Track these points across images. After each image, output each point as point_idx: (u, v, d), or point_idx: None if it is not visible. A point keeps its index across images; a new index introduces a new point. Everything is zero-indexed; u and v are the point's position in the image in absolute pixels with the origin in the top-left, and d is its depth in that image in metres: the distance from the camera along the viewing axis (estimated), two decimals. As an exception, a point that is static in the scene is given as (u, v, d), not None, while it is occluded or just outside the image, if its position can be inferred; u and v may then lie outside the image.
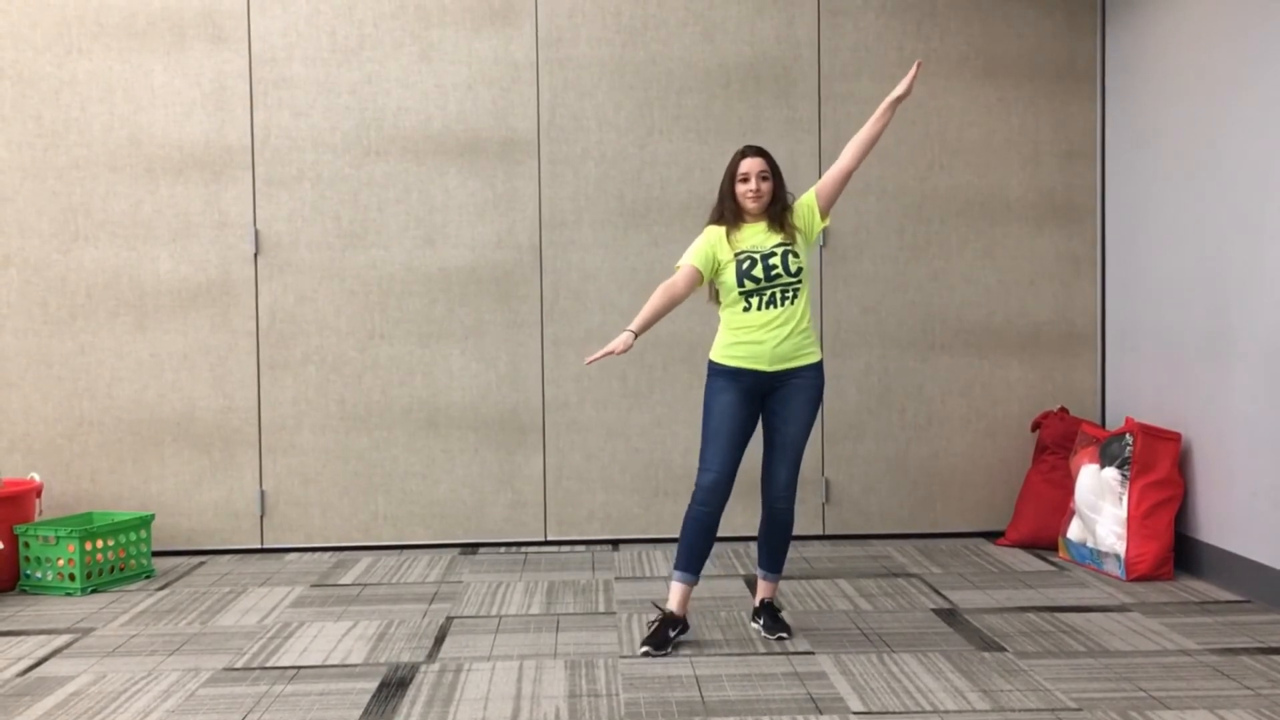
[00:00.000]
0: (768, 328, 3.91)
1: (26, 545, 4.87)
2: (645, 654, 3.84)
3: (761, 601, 4.13)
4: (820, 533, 5.68)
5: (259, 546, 5.53)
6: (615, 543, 5.61)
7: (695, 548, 3.96)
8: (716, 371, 3.98)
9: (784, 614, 4.18)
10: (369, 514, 5.55)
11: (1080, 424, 5.39)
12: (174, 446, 5.48)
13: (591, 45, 5.55)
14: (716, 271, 3.97)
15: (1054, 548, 5.37)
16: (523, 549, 5.55)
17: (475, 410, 5.56)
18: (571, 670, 3.72)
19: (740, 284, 3.92)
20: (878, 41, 5.62)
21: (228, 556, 5.47)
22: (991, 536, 5.68)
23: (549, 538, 5.61)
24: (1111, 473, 4.96)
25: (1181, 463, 4.96)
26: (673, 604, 3.96)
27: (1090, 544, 5.00)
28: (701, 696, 3.45)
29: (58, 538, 4.81)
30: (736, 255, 3.94)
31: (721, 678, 3.62)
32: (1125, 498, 4.89)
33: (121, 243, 5.45)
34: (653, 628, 3.94)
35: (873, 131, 4.08)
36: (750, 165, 3.99)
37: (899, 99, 4.07)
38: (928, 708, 3.34)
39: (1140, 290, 5.34)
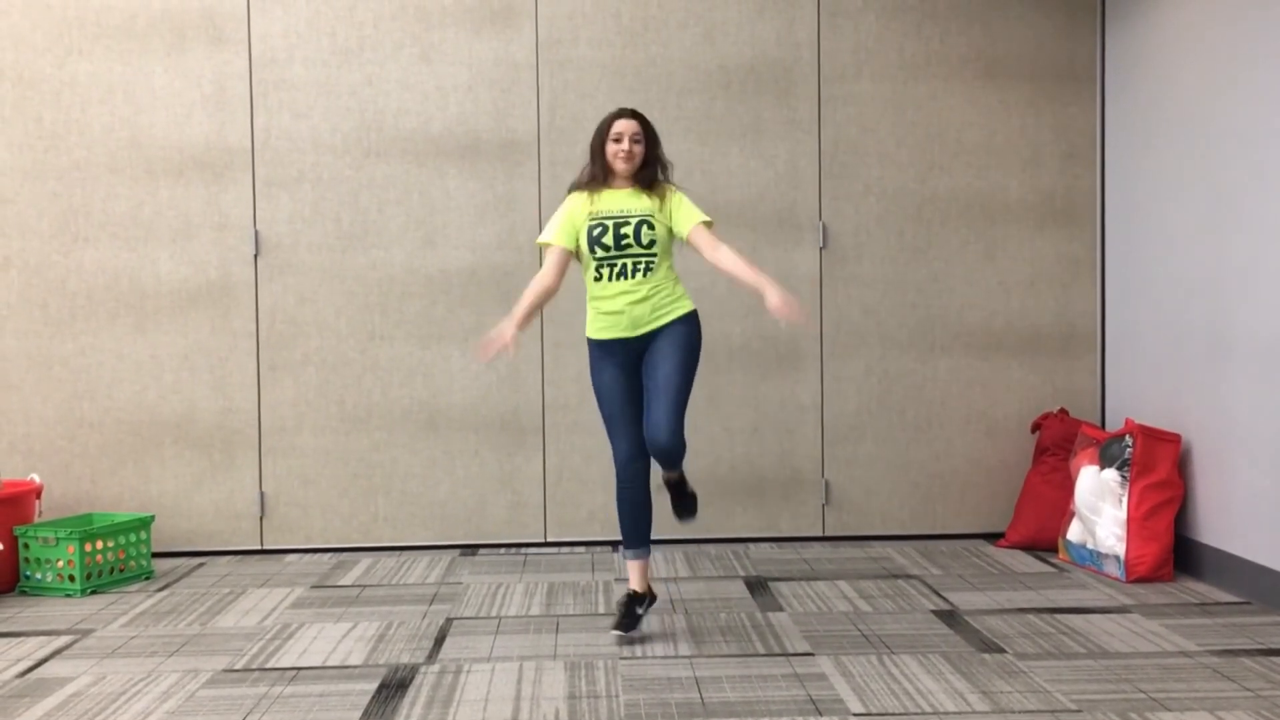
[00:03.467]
0: (621, 298, 3.91)
1: (26, 546, 4.88)
2: (618, 638, 3.97)
3: (665, 480, 4.14)
4: (820, 534, 5.68)
5: (259, 548, 5.53)
6: (615, 544, 5.61)
7: (636, 525, 4.05)
8: (591, 345, 4.02)
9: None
10: (369, 515, 5.55)
11: (1080, 425, 5.39)
12: (174, 448, 5.49)
13: (592, 46, 5.55)
14: (578, 239, 3.96)
15: (1054, 549, 5.37)
16: (523, 550, 5.55)
17: (475, 411, 5.56)
18: (571, 671, 3.72)
19: (592, 250, 3.92)
20: (878, 43, 5.62)
21: (227, 558, 5.47)
22: (991, 538, 5.68)
23: (549, 539, 5.61)
24: (1111, 474, 4.96)
25: (1181, 464, 4.96)
26: (634, 583, 4.08)
27: (1090, 545, 5.00)
28: (701, 698, 3.45)
29: (57, 539, 4.81)
30: (590, 220, 3.92)
31: (721, 679, 3.62)
32: (1125, 499, 4.89)
33: (122, 244, 5.45)
34: (620, 610, 4.03)
35: (735, 275, 3.91)
36: (624, 126, 3.96)
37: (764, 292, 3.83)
38: (927, 709, 3.34)
39: (1140, 292, 5.34)
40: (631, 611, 4.02)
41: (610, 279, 3.91)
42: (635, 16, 5.56)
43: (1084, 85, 5.69)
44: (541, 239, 4.04)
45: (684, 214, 3.97)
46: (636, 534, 4.06)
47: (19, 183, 5.43)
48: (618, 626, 3.99)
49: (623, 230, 3.88)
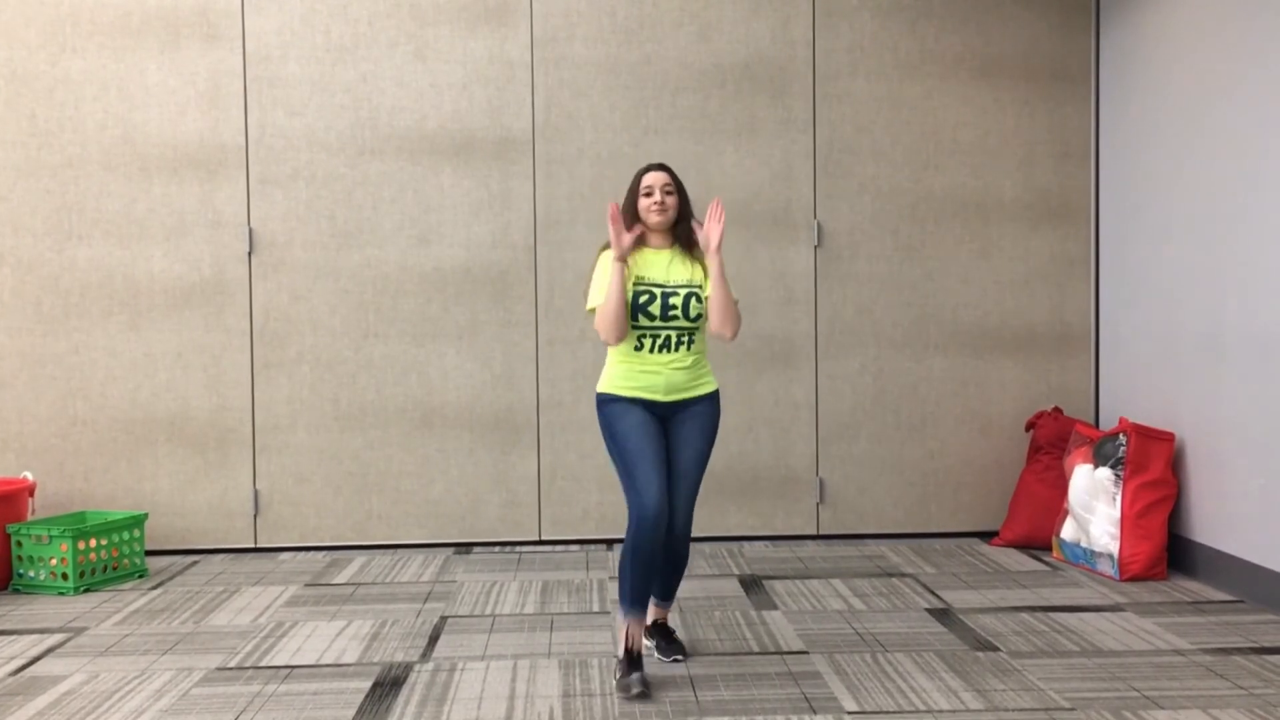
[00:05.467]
0: (663, 367, 3.73)
1: (19, 544, 4.86)
2: (640, 694, 3.47)
3: (654, 623, 3.93)
4: (814, 533, 5.68)
5: (253, 546, 5.53)
6: (609, 542, 5.61)
7: (648, 583, 3.68)
8: (611, 400, 3.74)
9: (677, 634, 4.00)
10: (363, 513, 5.55)
11: (1074, 424, 5.40)
12: (168, 446, 5.48)
13: (587, 45, 5.55)
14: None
15: (1048, 548, 5.37)
16: (517, 548, 5.55)
17: (470, 410, 5.56)
18: (565, 670, 3.72)
19: (634, 319, 3.70)
20: (873, 42, 5.62)
21: (221, 556, 5.46)
22: (986, 536, 5.68)
23: (543, 537, 5.61)
24: (1105, 473, 4.97)
25: (1175, 463, 4.97)
26: (634, 642, 3.62)
27: (1084, 544, 5.01)
28: (696, 696, 3.45)
29: (50, 537, 4.80)
30: (635, 284, 3.71)
31: (716, 678, 3.62)
32: (1119, 498, 4.89)
33: (115, 241, 5.44)
34: (626, 668, 3.55)
35: (720, 297, 3.70)
36: (654, 179, 3.78)
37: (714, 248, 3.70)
38: (922, 707, 3.34)
39: (1134, 291, 5.35)
40: (641, 665, 3.59)
41: (652, 350, 3.71)
42: (630, 15, 5.55)
43: (1079, 84, 5.70)
44: (589, 306, 3.75)
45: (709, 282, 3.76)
46: (645, 593, 3.68)
47: (12, 180, 5.41)
48: (641, 684, 3.49)
49: (671, 302, 3.69)
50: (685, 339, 3.74)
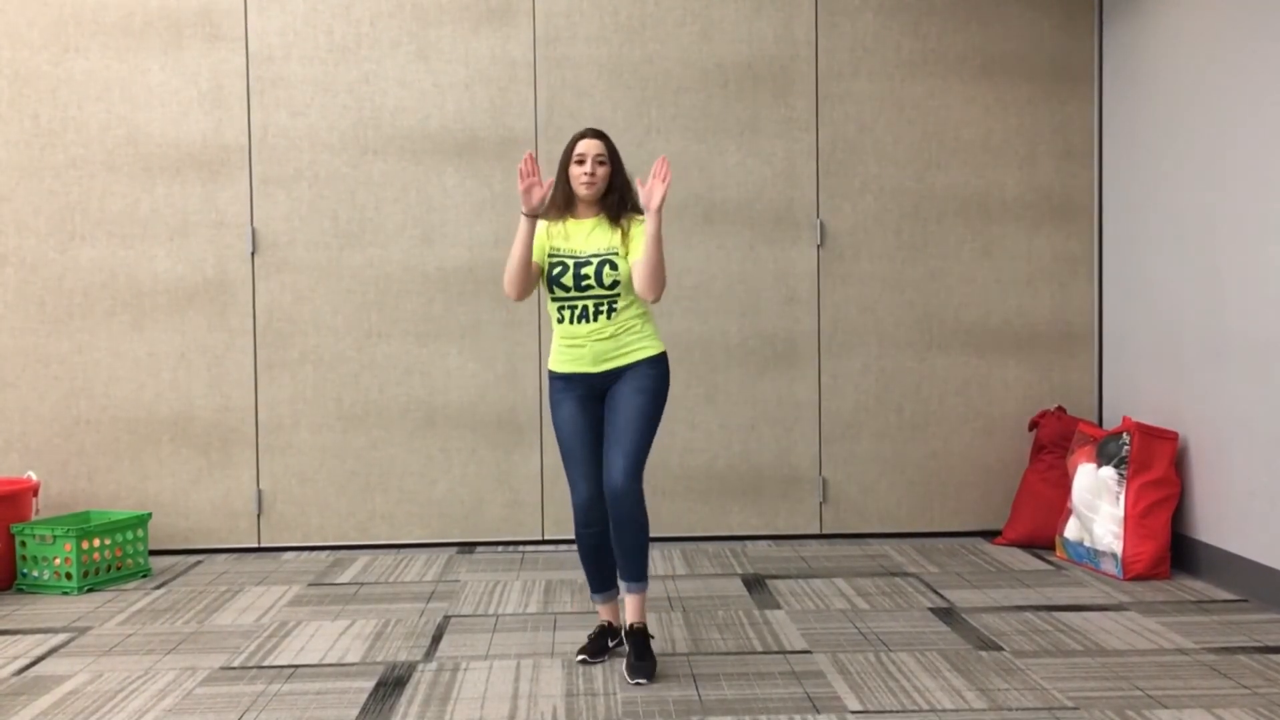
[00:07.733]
0: (586, 336, 3.67)
1: (23, 544, 4.87)
2: (582, 661, 3.75)
3: (631, 626, 3.70)
4: (817, 532, 5.68)
5: (256, 545, 5.53)
6: (613, 542, 5.61)
7: (600, 568, 3.81)
8: (552, 377, 3.78)
9: (653, 643, 3.80)
10: (366, 513, 5.55)
11: (1077, 423, 5.39)
12: (171, 445, 5.48)
13: (589, 44, 5.55)
14: (542, 265, 3.72)
15: (1051, 547, 5.37)
16: (520, 548, 5.55)
17: (473, 409, 5.56)
18: (569, 669, 3.72)
19: (551, 290, 3.71)
20: (875, 41, 5.62)
21: (225, 555, 5.47)
22: (989, 536, 5.68)
23: (546, 537, 5.61)
24: (1109, 472, 4.96)
25: (1178, 462, 4.97)
26: (606, 615, 3.88)
27: (1087, 543, 5.01)
28: (699, 695, 3.45)
29: (54, 537, 4.80)
30: (551, 257, 3.69)
31: (719, 676, 3.62)
32: (1122, 497, 4.89)
33: (118, 242, 5.45)
34: (592, 639, 3.84)
35: (649, 259, 3.59)
36: (587, 146, 3.69)
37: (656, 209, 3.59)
38: (925, 707, 3.34)
39: (1138, 290, 5.35)
40: (604, 643, 3.83)
41: (572, 321, 3.68)
42: (633, 14, 5.55)
43: (1081, 83, 5.69)
44: None
45: (638, 245, 3.66)
46: (602, 577, 3.83)
47: (15, 180, 5.42)
48: (585, 651, 3.79)
49: (583, 271, 3.64)
50: (605, 307, 3.67)
